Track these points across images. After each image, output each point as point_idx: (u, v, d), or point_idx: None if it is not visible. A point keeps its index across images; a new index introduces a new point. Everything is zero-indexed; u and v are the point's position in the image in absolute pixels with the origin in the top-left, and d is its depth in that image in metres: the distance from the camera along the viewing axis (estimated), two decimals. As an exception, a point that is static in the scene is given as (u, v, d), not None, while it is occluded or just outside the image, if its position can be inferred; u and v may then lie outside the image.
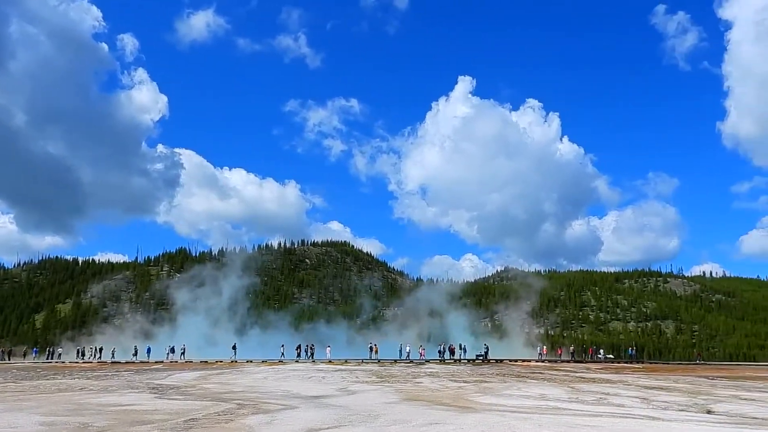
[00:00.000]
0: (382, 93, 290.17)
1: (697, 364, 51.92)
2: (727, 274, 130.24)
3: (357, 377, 25.22)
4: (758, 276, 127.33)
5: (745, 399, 17.56)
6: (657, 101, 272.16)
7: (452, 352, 49.10)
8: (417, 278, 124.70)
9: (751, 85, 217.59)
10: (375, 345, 47.91)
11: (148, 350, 50.38)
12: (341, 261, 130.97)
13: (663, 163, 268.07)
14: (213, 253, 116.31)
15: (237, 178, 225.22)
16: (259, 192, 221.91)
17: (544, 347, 57.17)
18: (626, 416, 12.78)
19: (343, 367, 33.98)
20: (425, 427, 10.36)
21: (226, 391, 18.91)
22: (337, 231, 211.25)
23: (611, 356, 56.28)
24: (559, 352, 59.15)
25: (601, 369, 36.61)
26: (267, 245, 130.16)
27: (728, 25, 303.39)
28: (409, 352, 48.05)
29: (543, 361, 46.58)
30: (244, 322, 77.10)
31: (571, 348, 59.59)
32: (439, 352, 49.28)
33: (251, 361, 41.28)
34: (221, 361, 41.36)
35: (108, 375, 28.32)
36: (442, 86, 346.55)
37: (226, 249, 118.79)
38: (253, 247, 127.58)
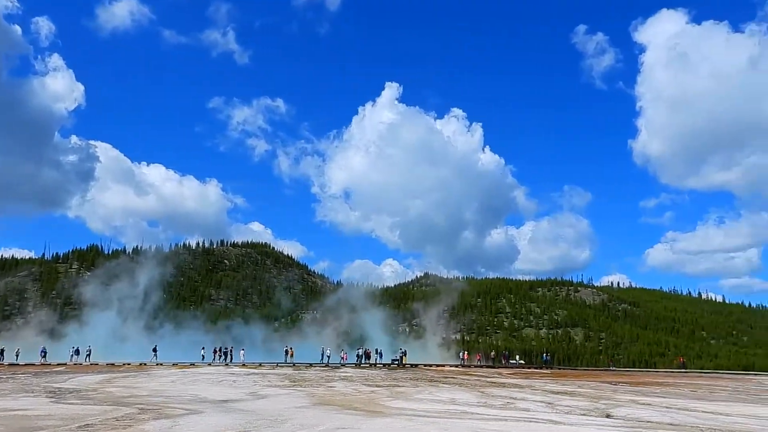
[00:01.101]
0: (309, 94, 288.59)
1: (602, 370, 54.16)
2: (633, 285, 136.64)
3: (269, 381, 24.81)
4: (661, 287, 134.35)
5: (643, 404, 18.38)
6: (575, 118, 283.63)
7: (368, 356, 49.15)
8: (337, 282, 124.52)
9: (661, 106, 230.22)
10: (291, 348, 47.37)
11: (43, 352, 44.83)
12: (261, 263, 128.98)
13: (578, 177, 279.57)
14: (127, 251, 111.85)
15: (155, 174, 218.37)
16: (179, 189, 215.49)
17: (466, 353, 58.12)
18: (530, 420, 13.12)
19: (256, 371, 33.39)
20: (332, 432, 10.27)
21: (130, 395, 18.14)
22: (258, 232, 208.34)
23: (522, 361, 57.87)
24: (478, 357, 60.29)
25: (512, 374, 37.55)
26: (185, 244, 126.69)
27: (642, 49, 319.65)
28: (329, 356, 47.81)
29: (457, 366, 47.37)
30: (158, 323, 74.66)
31: (493, 353, 61.01)
32: (357, 356, 49.30)
33: (161, 364, 39.88)
34: (129, 364, 39.76)
35: (2, 378, 26.67)
36: (370, 91, 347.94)
37: (141, 247, 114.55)
38: (170, 245, 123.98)
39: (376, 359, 48.94)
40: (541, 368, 51.21)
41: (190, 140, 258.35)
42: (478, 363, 55.26)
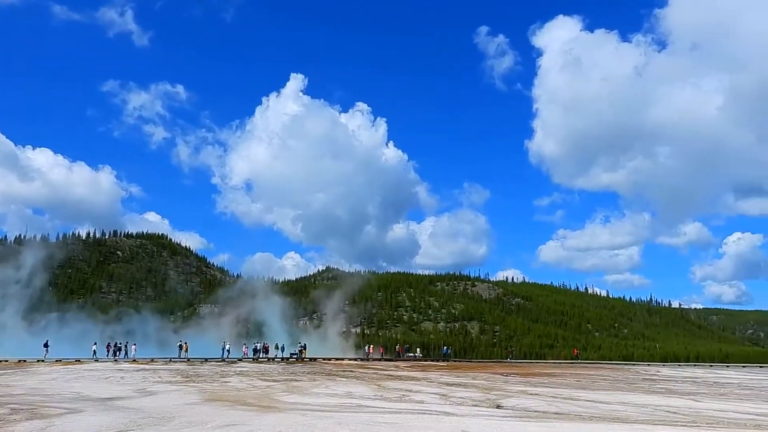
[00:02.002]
0: (212, 82, 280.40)
1: (496, 361, 56.11)
2: (527, 280, 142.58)
3: (160, 377, 23.86)
4: (552, 282, 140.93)
5: (531, 394, 19.11)
6: (475, 116, 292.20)
7: (266, 350, 48.43)
8: (238, 275, 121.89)
9: (555, 109, 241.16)
10: (185, 343, 45.86)
11: None
12: (157, 254, 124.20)
13: (477, 174, 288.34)
14: (8, 241, 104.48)
15: (42, 159, 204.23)
16: (68, 176, 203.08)
17: (371, 346, 58.55)
18: (423, 412, 13.28)
19: (147, 367, 32.04)
20: (220, 429, 9.92)
21: (4, 394, 16.87)
22: (154, 223, 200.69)
23: (419, 354, 58.95)
24: (381, 350, 60.82)
25: (409, 367, 38.13)
26: (74, 234, 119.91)
27: (540, 53, 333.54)
28: (229, 350, 46.73)
29: (356, 360, 47.58)
30: (41, 317, 70.21)
31: (398, 347, 61.82)
32: (254, 350, 48.42)
33: (43, 361, 37.49)
34: (6, 361, 37.09)
35: None
36: (274, 82, 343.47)
37: (25, 236, 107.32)
38: (58, 235, 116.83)
39: (277, 354, 48.30)
40: (437, 361, 52.31)
41: (82, 124, 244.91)
42: (381, 356, 55.75)
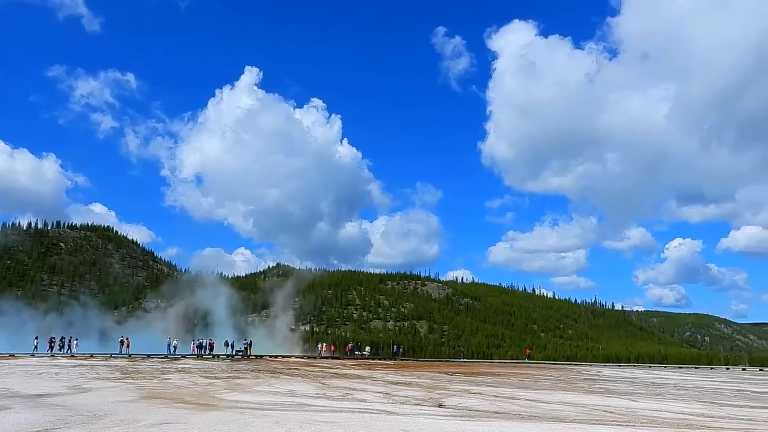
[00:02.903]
0: (164, 72, 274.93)
1: (444, 361, 56.56)
2: (476, 280, 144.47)
3: (97, 373, 23.15)
4: (500, 283, 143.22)
5: (474, 393, 19.27)
6: (430, 117, 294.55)
7: (211, 347, 47.64)
8: (186, 269, 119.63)
9: (509, 112, 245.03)
10: (127, 339, 44.75)
11: None
12: (102, 247, 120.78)
13: (430, 174, 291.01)
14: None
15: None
16: (9, 163, 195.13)
17: (324, 344, 58.28)
18: (365, 411, 13.20)
19: (85, 363, 31.09)
20: (153, 428, 9.62)
21: (-74, 389, 16.06)
22: (100, 214, 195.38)
23: (366, 353, 59.02)
24: (333, 348, 60.60)
25: (355, 365, 38.05)
26: (14, 224, 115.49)
27: (495, 55, 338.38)
28: (176, 346, 45.79)
29: (303, 357, 47.28)
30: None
31: (350, 345, 61.71)
32: (199, 346, 47.56)
33: (-26, 355, 35.99)
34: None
35: None
36: (228, 74, 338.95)
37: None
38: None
39: (226, 351, 47.54)
40: (385, 359, 52.43)
41: (25, 110, 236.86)
42: (332, 355, 55.57)
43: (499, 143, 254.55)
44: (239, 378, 22.74)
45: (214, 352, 46.49)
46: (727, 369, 63.36)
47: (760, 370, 61.94)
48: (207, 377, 22.77)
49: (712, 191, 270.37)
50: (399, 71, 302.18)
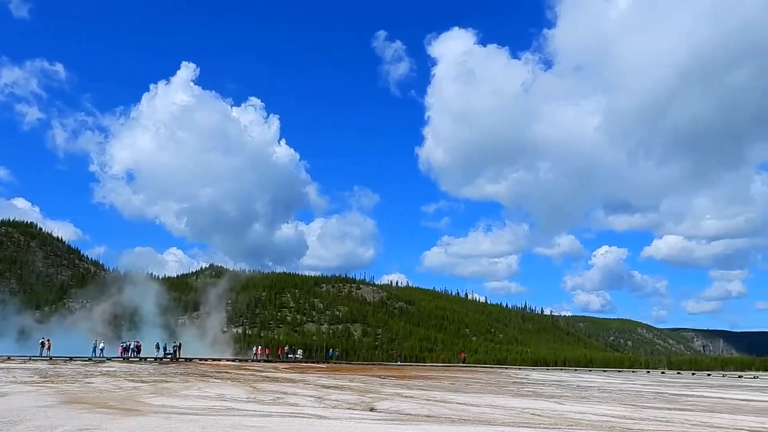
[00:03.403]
0: (96, 63, 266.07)
1: (377, 364, 56.68)
2: (410, 285, 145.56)
3: (14, 377, 22.04)
4: (434, 288, 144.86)
5: (406, 396, 19.36)
6: (369, 120, 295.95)
7: (138, 349, 46.15)
8: (114, 269, 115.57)
9: (446, 118, 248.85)
10: (48, 340, 42.84)
11: None
12: (24, 244, 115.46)
13: (368, 178, 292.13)
14: None
15: None
16: None
17: (259, 347, 57.37)
18: (295, 416, 13.05)
19: (2, 365, 29.60)
20: (71, 434, 9.23)
21: None
22: (23, 210, 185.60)
23: (299, 356, 58.59)
24: (267, 351, 59.71)
25: (288, 369, 37.67)
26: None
27: (434, 62, 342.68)
28: (102, 349, 44.10)
29: (234, 361, 46.48)
30: None
31: (287, 347, 60.94)
32: (126, 349, 45.97)
33: None
34: None
35: None
36: (164, 69, 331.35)
37: None
38: None
39: (157, 353, 46.08)
40: (317, 363, 52.16)
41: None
42: (267, 358, 54.80)
43: (436, 149, 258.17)
44: (167, 382, 22.12)
45: (142, 355, 45.03)
46: (648, 372, 66.04)
47: (678, 373, 64.88)
48: (133, 381, 22.04)
49: (638, 201, 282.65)
50: (339, 74, 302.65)
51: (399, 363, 63.14)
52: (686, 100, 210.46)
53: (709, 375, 60.07)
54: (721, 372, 70.56)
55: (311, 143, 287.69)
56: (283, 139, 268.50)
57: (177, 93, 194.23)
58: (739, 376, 57.49)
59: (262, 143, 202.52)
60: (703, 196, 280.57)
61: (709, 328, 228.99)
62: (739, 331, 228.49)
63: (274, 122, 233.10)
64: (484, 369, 54.54)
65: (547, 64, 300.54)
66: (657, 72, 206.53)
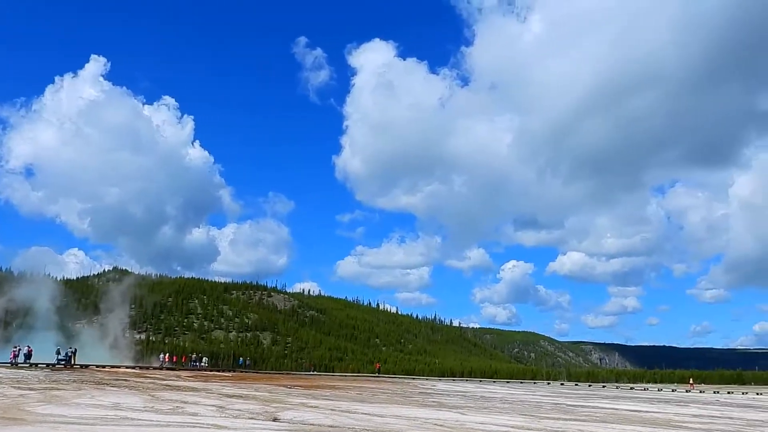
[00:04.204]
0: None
1: (284, 373, 55.97)
2: (323, 293, 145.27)
3: None
4: (346, 297, 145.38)
5: (311, 406, 19.14)
6: (286, 126, 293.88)
7: (29, 354, 43.43)
8: (8, 269, 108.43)
9: (364, 128, 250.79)
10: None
11: None
12: None
13: (283, 184, 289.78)
14: None
15: None
16: None
17: (166, 355, 55.44)
18: (195, 425, 12.63)
19: None
20: (-57, 446, 8.54)
21: None
22: None
23: (204, 364, 57.08)
24: (174, 359, 57.67)
25: (191, 377, 36.52)
26: None
27: (354, 72, 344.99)
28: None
29: (134, 368, 44.64)
30: None
31: (195, 355, 59.02)
32: (16, 354, 43.14)
33: None
34: None
35: None
36: (72, 61, 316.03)
37: None
38: None
39: (57, 359, 43.44)
40: (223, 371, 50.93)
41: None
42: (174, 365, 52.92)
43: (353, 158, 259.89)
44: (58, 389, 20.90)
45: (32, 360, 42.37)
46: (548, 384, 68.53)
47: (576, 384, 67.71)
48: (20, 388, 20.68)
49: (545, 218, 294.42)
50: (257, 77, 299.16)
51: (313, 372, 62.71)
52: (591, 124, 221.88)
53: (604, 387, 63.04)
54: (616, 384, 74.19)
55: (226, 146, 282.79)
56: (197, 141, 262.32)
57: (85, 87, 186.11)
58: (631, 388, 60.71)
59: (175, 144, 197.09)
60: (604, 216, 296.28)
61: (606, 342, 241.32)
62: (633, 344, 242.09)
63: (189, 123, 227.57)
64: (392, 379, 54.90)
65: (464, 80, 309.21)
66: (566, 95, 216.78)
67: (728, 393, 54.31)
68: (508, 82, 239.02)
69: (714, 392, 56.56)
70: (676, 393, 51.25)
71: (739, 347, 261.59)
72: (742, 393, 55.42)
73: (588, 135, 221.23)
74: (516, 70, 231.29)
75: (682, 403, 32.38)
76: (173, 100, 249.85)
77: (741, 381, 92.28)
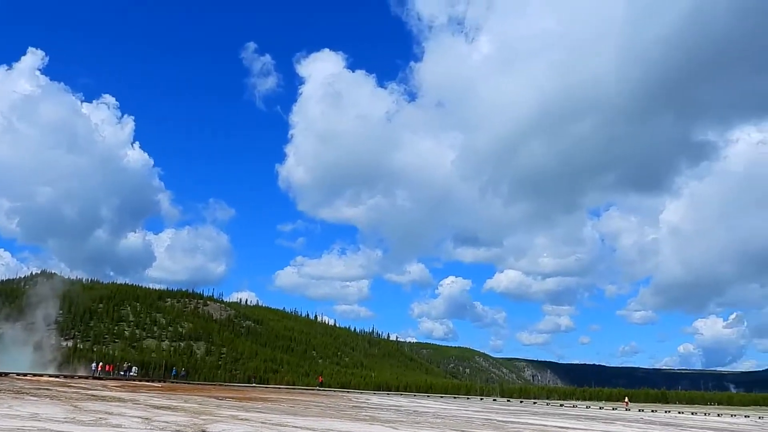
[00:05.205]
0: None
1: (218, 385, 54.89)
2: (260, 303, 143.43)
3: None
4: (284, 308, 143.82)
5: (242, 419, 18.84)
6: (231, 132, 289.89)
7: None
8: None
9: (310, 138, 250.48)
10: None
11: None
12: None
13: (224, 191, 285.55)
14: None
15: None
16: None
17: (100, 363, 53.63)
18: (117, 438, 12.31)
19: None
20: None
21: None
22: None
23: (134, 374, 55.47)
24: (109, 368, 55.74)
25: (118, 387, 35.39)
26: None
27: (302, 80, 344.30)
28: None
29: (58, 376, 42.97)
30: None
31: (126, 364, 57.24)
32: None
33: None
34: None
35: None
36: (6, 53, 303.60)
37: None
38: None
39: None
40: (153, 381, 49.60)
41: None
42: (103, 374, 51.15)
43: (297, 168, 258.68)
44: (-27, 398, 19.92)
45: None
46: (481, 399, 69.42)
47: (508, 401, 68.83)
48: (-70, 397, 19.64)
49: (484, 236, 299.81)
50: (203, 80, 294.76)
51: (253, 384, 61.96)
52: (533, 146, 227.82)
53: (535, 403, 64.32)
54: (546, 401, 75.80)
55: (168, 149, 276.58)
56: (137, 143, 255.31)
57: (20, 81, 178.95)
58: (561, 405, 62.18)
59: (114, 144, 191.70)
60: (542, 236, 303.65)
61: (539, 359, 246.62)
62: (564, 362, 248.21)
63: (129, 123, 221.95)
64: (326, 392, 54.55)
65: (412, 96, 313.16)
66: (510, 116, 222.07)
67: (652, 411, 56.30)
68: (455, 99, 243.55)
69: (639, 410, 58.54)
70: (603, 411, 52.79)
71: (663, 367, 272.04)
72: (665, 411, 57.54)
73: (530, 156, 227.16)
74: (463, 89, 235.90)
75: (608, 421, 33.39)
76: (114, 99, 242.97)
77: (665, 400, 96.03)
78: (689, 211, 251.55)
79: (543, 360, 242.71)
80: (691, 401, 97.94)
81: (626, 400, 76.42)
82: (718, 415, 54.89)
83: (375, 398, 47.73)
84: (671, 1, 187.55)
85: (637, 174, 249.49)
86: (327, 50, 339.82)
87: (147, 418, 16.96)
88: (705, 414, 55.18)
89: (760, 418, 53.23)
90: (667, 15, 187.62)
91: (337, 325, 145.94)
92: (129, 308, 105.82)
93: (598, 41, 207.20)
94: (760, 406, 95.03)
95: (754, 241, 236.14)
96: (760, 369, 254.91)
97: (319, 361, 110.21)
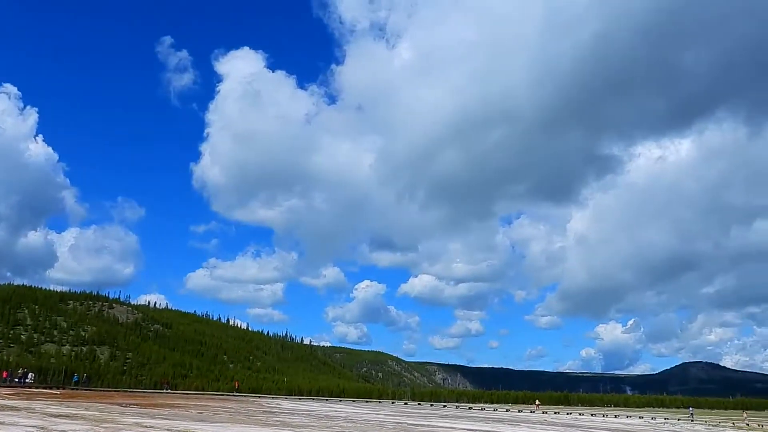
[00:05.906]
0: None
1: (122, 391, 52.86)
2: (170, 307, 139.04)
3: None
4: (195, 311, 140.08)
5: (147, 426, 18.37)
6: (143, 128, 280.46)
7: None
8: None
9: (226, 137, 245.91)
10: None
11: None
12: None
13: (134, 189, 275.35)
14: None
15: None
16: None
17: (5, 371, 50.35)
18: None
19: None
20: None
21: None
22: None
23: (30, 380, 52.59)
24: (5, 375, 52.36)
25: (12, 395, 33.52)
26: None
27: (220, 79, 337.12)
28: None
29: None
30: None
31: (22, 370, 54.07)
32: None
33: None
34: None
35: None
36: None
37: None
38: None
39: None
40: (52, 388, 47.24)
41: None
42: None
43: (212, 167, 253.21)
44: None
45: None
46: (393, 403, 70.26)
47: (419, 404, 69.99)
48: None
49: (400, 241, 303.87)
50: (115, 72, 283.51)
51: (167, 390, 60.02)
52: (449, 153, 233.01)
53: (445, 406, 65.73)
54: (456, 403, 77.52)
55: (74, 144, 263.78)
56: (41, 136, 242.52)
57: None
58: (470, 408, 63.85)
59: (14, 137, 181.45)
60: (456, 242, 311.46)
61: (450, 363, 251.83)
62: (474, 366, 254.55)
63: (32, 115, 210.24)
64: (236, 398, 53.64)
65: (332, 98, 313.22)
66: (427, 123, 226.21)
67: (555, 413, 58.75)
68: (375, 104, 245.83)
69: (543, 412, 60.92)
70: (509, 413, 54.67)
71: (567, 370, 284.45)
72: (567, 413, 60.18)
73: (446, 163, 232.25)
74: (383, 94, 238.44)
75: (514, 423, 34.68)
76: (15, 88, 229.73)
77: (567, 402, 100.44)
78: (594, 221, 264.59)
79: (454, 364, 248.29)
80: (590, 403, 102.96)
81: (537, 402, 79.94)
82: (615, 416, 58.04)
83: (286, 403, 47.41)
84: (583, 21, 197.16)
85: (547, 184, 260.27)
86: (247, 48, 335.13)
87: (42, 428, 16.25)
88: (604, 415, 58.18)
89: (652, 418, 56.77)
90: (579, 34, 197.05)
91: (250, 328, 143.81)
92: (27, 311, 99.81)
93: (514, 54, 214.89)
94: (653, 407, 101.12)
95: (652, 250, 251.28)
96: (654, 372, 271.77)
97: (230, 365, 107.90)
